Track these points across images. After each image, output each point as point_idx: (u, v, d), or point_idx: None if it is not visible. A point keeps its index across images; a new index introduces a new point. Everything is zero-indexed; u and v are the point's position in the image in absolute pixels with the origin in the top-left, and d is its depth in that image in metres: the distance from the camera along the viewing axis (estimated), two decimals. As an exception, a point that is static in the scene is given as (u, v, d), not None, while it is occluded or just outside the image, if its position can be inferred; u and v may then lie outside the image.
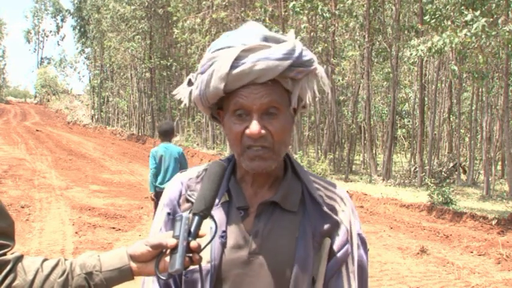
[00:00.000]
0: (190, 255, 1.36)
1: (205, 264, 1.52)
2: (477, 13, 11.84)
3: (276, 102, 1.51)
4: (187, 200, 1.61)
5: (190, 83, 1.64)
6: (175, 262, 1.33)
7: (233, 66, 1.47)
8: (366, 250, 1.66)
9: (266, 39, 1.53)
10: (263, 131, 1.49)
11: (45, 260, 1.48)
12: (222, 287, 1.54)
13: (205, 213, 1.40)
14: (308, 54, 1.54)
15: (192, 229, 1.37)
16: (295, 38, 1.56)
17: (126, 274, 1.46)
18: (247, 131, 1.49)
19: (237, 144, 1.53)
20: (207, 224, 1.51)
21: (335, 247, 1.58)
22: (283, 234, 1.56)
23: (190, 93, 1.62)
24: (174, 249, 1.36)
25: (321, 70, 1.59)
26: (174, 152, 8.39)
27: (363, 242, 1.65)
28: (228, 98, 1.52)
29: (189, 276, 1.55)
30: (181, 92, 1.65)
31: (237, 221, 1.57)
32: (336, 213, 1.61)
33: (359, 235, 1.64)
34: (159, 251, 1.43)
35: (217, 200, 1.56)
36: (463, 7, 12.77)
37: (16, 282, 1.42)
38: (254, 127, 1.48)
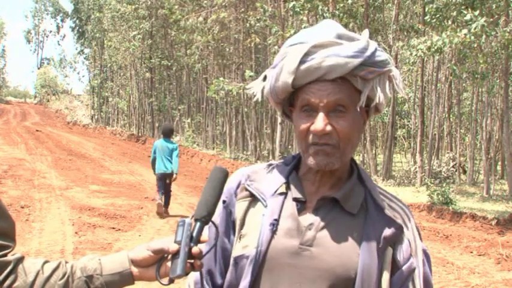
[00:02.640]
0: (192, 261, 1.36)
1: (251, 250, 1.51)
2: (476, 13, 11.84)
3: (344, 101, 1.49)
4: (246, 189, 1.61)
5: (265, 79, 1.65)
6: (176, 267, 1.32)
7: (302, 61, 1.48)
8: (430, 267, 1.61)
9: (340, 36, 1.53)
10: (328, 128, 1.48)
11: (46, 262, 1.48)
12: (268, 274, 1.52)
13: (207, 219, 1.40)
14: (382, 55, 1.53)
15: (194, 235, 1.37)
16: (369, 38, 1.55)
17: (126, 278, 1.46)
18: (312, 128, 1.49)
19: (302, 140, 1.52)
20: (259, 213, 1.52)
21: (400, 259, 1.54)
22: (339, 231, 1.53)
23: (263, 88, 1.63)
24: (175, 254, 1.35)
25: (396, 73, 1.57)
26: (170, 145, 11.54)
27: (428, 259, 1.60)
28: (297, 94, 1.53)
29: (239, 261, 1.54)
30: (255, 87, 1.66)
31: (292, 211, 1.55)
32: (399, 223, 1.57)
33: (424, 251, 1.59)
34: (160, 256, 1.43)
35: (274, 189, 1.57)
36: (463, 7, 12.77)
37: (16, 284, 1.41)
38: (318, 124, 1.47)
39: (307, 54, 1.48)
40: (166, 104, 37.34)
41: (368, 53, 1.49)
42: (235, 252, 1.56)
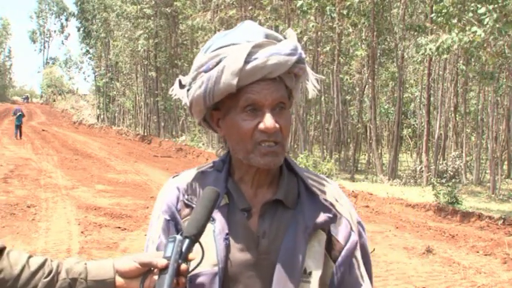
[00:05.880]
0: (178, 277, 1.35)
1: (211, 268, 1.51)
2: (490, 7, 11.72)
3: (284, 98, 1.53)
4: (187, 205, 1.59)
5: (181, 86, 1.63)
6: (163, 283, 1.32)
7: (246, 62, 1.48)
8: (365, 235, 1.69)
9: (267, 36, 1.55)
10: (277, 125, 1.50)
11: (30, 256, 1.46)
12: None
13: (196, 237, 1.39)
14: (303, 52, 1.58)
15: (183, 252, 1.37)
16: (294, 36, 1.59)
17: (109, 287, 1.45)
18: (262, 126, 1.49)
19: (247, 141, 1.51)
20: (208, 228, 1.50)
21: (341, 239, 1.59)
22: (286, 230, 1.56)
23: (187, 94, 1.60)
24: (163, 269, 1.35)
25: (308, 68, 1.64)
26: None
27: (363, 228, 1.67)
28: (236, 96, 1.51)
29: (195, 279, 1.53)
30: (178, 94, 1.65)
31: (241, 222, 1.55)
32: (334, 207, 1.61)
33: (359, 223, 1.66)
34: (146, 269, 1.42)
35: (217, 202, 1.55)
36: (473, 4, 12.64)
37: (1, 276, 1.40)
38: (270, 121, 1.48)
39: (249, 55, 1.48)
40: (172, 104, 37.36)
41: (299, 50, 1.55)
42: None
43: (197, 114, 1.61)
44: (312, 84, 1.64)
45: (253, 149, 1.51)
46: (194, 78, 1.56)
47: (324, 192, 1.62)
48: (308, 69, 1.62)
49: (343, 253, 1.59)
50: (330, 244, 1.59)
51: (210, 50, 1.55)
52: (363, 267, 1.63)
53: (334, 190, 1.66)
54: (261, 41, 1.51)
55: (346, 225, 1.61)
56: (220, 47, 1.53)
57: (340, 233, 1.59)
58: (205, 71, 1.53)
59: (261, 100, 1.49)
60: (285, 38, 1.58)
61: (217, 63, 1.51)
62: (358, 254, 1.62)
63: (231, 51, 1.50)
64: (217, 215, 1.54)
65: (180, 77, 1.65)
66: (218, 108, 1.57)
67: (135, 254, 1.46)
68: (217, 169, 1.64)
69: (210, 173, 1.64)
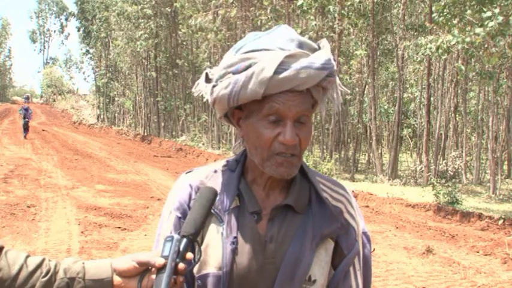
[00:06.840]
0: (175, 277, 1.36)
1: (216, 271, 1.52)
2: (496, 10, 11.70)
3: (308, 111, 1.52)
4: None
5: (208, 80, 1.62)
6: (161, 282, 1.33)
7: (276, 72, 1.46)
8: (370, 247, 1.68)
9: (301, 45, 1.53)
10: (296, 138, 1.49)
11: (28, 256, 1.47)
12: None
13: (194, 236, 1.40)
14: (335, 64, 1.55)
15: (181, 251, 1.38)
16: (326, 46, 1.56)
17: (106, 286, 1.45)
18: (281, 138, 1.48)
19: (264, 149, 1.51)
20: (216, 229, 1.52)
21: (344, 248, 1.59)
22: (294, 235, 1.56)
23: (212, 90, 1.58)
24: (161, 268, 1.35)
25: (337, 79, 1.62)
26: None
27: (368, 239, 1.67)
28: (261, 102, 1.49)
29: (201, 282, 1.54)
30: (203, 89, 1.63)
31: (250, 226, 1.55)
32: (343, 215, 1.61)
33: (364, 233, 1.66)
34: (144, 269, 1.43)
35: (227, 202, 1.56)
36: (474, 3, 12.63)
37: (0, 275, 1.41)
38: (290, 135, 1.48)
39: (280, 65, 1.46)
40: (173, 104, 37.36)
41: (332, 63, 1.51)
42: (197, 270, 1.55)
43: (219, 111, 1.61)
44: (338, 96, 1.62)
45: (269, 158, 1.51)
46: (222, 77, 1.55)
47: (334, 199, 1.62)
48: (337, 80, 1.60)
49: (343, 262, 1.60)
50: (335, 253, 1.60)
51: (242, 51, 1.53)
52: (360, 278, 1.63)
53: (345, 197, 1.65)
54: (294, 52, 1.48)
55: (351, 234, 1.61)
56: (252, 50, 1.51)
57: (345, 242, 1.60)
58: (234, 73, 1.51)
59: (284, 111, 1.48)
60: (319, 48, 1.55)
61: (247, 68, 1.49)
62: (356, 263, 1.62)
63: (262, 57, 1.48)
64: (226, 217, 1.55)
65: (208, 69, 1.64)
66: (241, 108, 1.56)
67: (133, 254, 1.47)
68: (230, 169, 1.64)
69: (223, 172, 1.65)
